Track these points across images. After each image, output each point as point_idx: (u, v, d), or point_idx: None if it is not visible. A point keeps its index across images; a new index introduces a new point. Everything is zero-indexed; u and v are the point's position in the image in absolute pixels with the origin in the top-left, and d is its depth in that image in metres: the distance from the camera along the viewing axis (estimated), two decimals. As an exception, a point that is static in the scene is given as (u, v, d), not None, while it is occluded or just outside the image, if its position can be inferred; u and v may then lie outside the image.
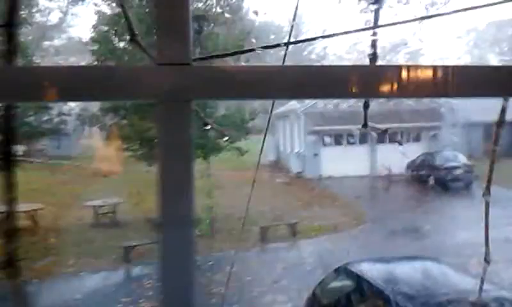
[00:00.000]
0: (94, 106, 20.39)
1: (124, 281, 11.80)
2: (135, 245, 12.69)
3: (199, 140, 15.96)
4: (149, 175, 21.47)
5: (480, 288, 1.54)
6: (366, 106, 0.93)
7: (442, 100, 33.97)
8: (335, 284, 6.98)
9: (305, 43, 62.77)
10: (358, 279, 6.28)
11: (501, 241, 12.48)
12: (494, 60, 77.45)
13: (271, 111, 3.30)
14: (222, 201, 17.51)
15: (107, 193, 17.59)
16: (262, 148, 2.91)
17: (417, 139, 28.33)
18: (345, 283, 6.65)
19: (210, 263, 12.30)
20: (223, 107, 18.10)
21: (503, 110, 0.80)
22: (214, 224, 14.47)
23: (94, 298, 10.20)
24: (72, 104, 20.06)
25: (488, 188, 0.82)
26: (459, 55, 75.27)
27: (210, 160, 16.55)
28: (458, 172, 22.83)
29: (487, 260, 0.86)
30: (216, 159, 16.98)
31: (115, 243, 12.92)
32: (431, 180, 23.04)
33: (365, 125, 0.97)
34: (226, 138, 16.61)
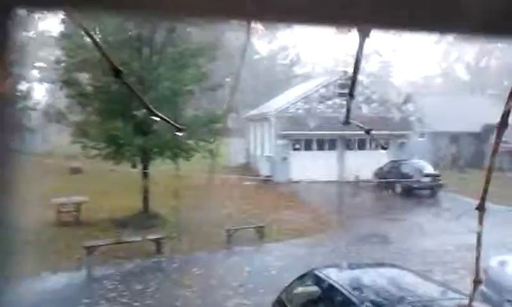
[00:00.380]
0: (61, 103, 19.88)
1: (86, 281, 11.47)
2: (98, 245, 12.37)
3: (168, 141, 15.72)
4: (115, 174, 21.09)
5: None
6: (351, 95, 0.81)
7: (411, 110, 34.61)
8: (302, 289, 6.89)
9: (280, 48, 62.96)
10: (325, 285, 6.21)
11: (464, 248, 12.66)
12: (461, 72, 79.38)
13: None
14: (190, 203, 17.33)
15: (72, 191, 17.17)
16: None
17: (386, 147, 28.70)
18: (312, 288, 6.56)
19: (175, 265, 12.10)
20: (191, 108, 17.92)
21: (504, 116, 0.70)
22: (180, 226, 14.24)
23: (53, 299, 9.86)
24: (39, 98, 19.50)
25: (483, 201, 0.71)
26: (428, 66, 76.89)
27: (179, 161, 16.33)
28: (424, 180, 23.19)
29: (477, 280, 0.76)
30: (185, 160, 16.74)
31: (77, 242, 12.54)
32: (397, 188, 23.35)
33: (346, 121, 0.86)
34: (195, 140, 16.41)
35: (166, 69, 16.03)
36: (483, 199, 0.72)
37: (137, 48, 16.10)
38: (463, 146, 36.07)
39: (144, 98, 0.89)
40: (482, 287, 8.00)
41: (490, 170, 0.70)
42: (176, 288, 10.30)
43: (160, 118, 0.89)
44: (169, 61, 16.34)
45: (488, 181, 0.71)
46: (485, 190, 0.71)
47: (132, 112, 14.93)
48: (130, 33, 15.84)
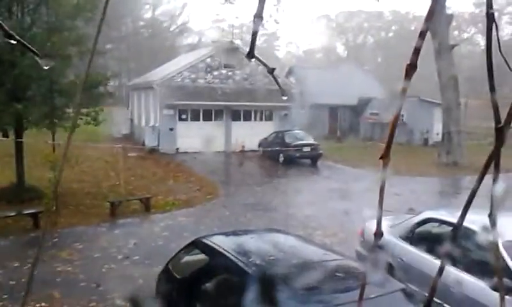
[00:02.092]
0: None
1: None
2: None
3: (43, 107, 14.67)
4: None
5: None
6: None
7: (293, 82, 35.79)
8: (189, 258, 6.88)
9: (165, 15, 61.30)
10: (212, 252, 6.25)
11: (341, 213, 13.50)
12: (340, 48, 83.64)
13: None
14: (70, 175, 16.46)
15: None
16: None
17: (270, 118, 29.48)
18: (199, 256, 6.58)
19: (55, 240, 11.45)
20: (71, 74, 16.83)
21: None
22: (59, 199, 13.46)
23: None
24: None
25: (388, 149, 0.71)
26: (310, 41, 79.82)
27: (58, 130, 15.31)
28: (305, 150, 24.26)
29: (377, 233, 0.78)
30: (63, 130, 15.76)
31: None
32: (281, 157, 24.20)
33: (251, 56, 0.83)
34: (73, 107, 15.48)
35: (40, 30, 14.85)
36: (388, 147, 0.72)
37: (7, 7, 14.70)
38: (340, 118, 38.27)
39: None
40: (359, 248, 8.61)
41: (396, 119, 0.71)
42: (57, 263, 9.77)
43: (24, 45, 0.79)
44: (44, 22, 15.15)
45: (392, 132, 0.71)
46: (390, 140, 0.71)
47: (4, 76, 13.70)
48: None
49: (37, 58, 0.87)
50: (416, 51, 0.70)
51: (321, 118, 36.77)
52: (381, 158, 0.73)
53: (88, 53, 16.42)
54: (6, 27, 0.74)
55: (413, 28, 63.74)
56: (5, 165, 16.54)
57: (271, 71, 0.88)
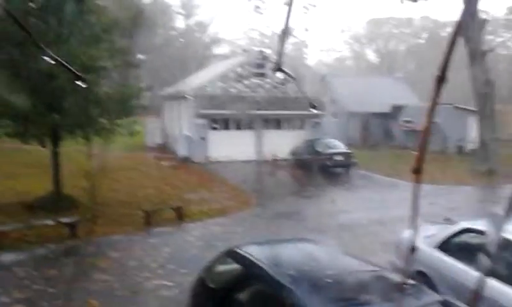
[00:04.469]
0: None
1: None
2: (7, 231, 11.65)
3: (79, 117, 15.03)
4: (22, 154, 19.90)
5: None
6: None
7: (324, 91, 35.63)
8: (222, 267, 6.91)
9: (197, 25, 62.02)
10: (246, 263, 6.25)
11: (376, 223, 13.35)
12: (371, 55, 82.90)
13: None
14: (105, 184, 16.77)
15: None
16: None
17: (301, 126, 29.41)
18: (233, 266, 6.59)
19: (91, 248, 11.70)
20: (106, 85, 17.23)
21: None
22: (95, 208, 13.74)
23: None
24: None
25: (419, 163, 0.73)
26: (340, 49, 79.44)
27: (95, 140, 15.68)
28: (338, 158, 24.10)
29: (412, 247, 0.78)
30: (99, 140, 16.12)
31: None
32: (313, 166, 24.09)
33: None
34: (108, 118, 15.84)
35: (77, 43, 15.24)
36: (419, 160, 0.73)
37: (45, 19, 15.14)
38: (373, 126, 37.84)
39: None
40: (394, 258, 8.49)
41: (427, 133, 0.72)
42: (93, 272, 9.96)
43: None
44: (80, 35, 15.54)
45: (423, 144, 0.72)
46: (421, 152, 0.72)
47: (41, 88, 14.11)
48: (34, 4, 14.89)
49: (75, 78, 0.92)
50: (445, 64, 0.70)
51: (353, 126, 36.47)
52: (413, 172, 0.74)
53: (123, 65, 16.81)
54: (47, 50, 0.78)
55: (444, 34, 62.74)
56: (42, 175, 16.98)
57: (296, 82, 0.90)
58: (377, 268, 5.97)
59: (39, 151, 16.72)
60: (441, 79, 0.70)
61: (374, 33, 77.60)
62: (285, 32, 0.82)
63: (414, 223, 0.74)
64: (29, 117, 13.83)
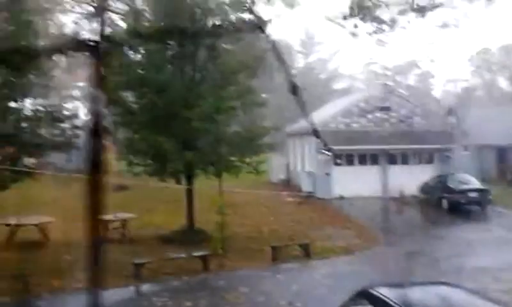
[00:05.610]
0: (105, 121, 20.35)
1: (135, 298, 11.58)
2: (146, 262, 12.50)
3: (211, 156, 15.88)
4: (159, 191, 21.39)
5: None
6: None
7: (454, 122, 33.79)
8: (356, 309, 6.75)
9: (317, 62, 62.78)
10: (378, 304, 6.05)
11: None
12: (503, 83, 77.25)
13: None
14: (234, 219, 17.33)
15: (118, 208, 17.47)
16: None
17: (430, 160, 28.11)
18: (366, 308, 6.41)
19: (222, 282, 12.11)
20: (235, 124, 18.04)
21: None
22: (226, 243, 14.28)
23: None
24: (86, 118, 19.98)
25: None
26: (467, 78, 75.23)
27: (223, 177, 16.48)
28: (472, 195, 22.51)
29: None
30: (227, 176, 16.85)
31: (125, 259, 12.70)
32: (444, 203, 22.74)
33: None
34: (238, 156, 16.55)
35: (208, 86, 16.23)
36: None
37: (181, 67, 16.37)
38: (509, 159, 34.89)
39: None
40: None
41: None
42: (225, 305, 10.28)
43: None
44: (211, 78, 16.54)
45: None
46: None
47: (178, 129, 15.19)
48: (172, 52, 16.23)
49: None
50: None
51: (488, 160, 33.90)
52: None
53: (250, 105, 17.53)
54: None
55: None
56: (176, 210, 18.06)
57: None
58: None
59: (173, 189, 17.83)
60: None
61: (506, 60, 72.32)
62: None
63: None
64: (167, 156, 14.92)
